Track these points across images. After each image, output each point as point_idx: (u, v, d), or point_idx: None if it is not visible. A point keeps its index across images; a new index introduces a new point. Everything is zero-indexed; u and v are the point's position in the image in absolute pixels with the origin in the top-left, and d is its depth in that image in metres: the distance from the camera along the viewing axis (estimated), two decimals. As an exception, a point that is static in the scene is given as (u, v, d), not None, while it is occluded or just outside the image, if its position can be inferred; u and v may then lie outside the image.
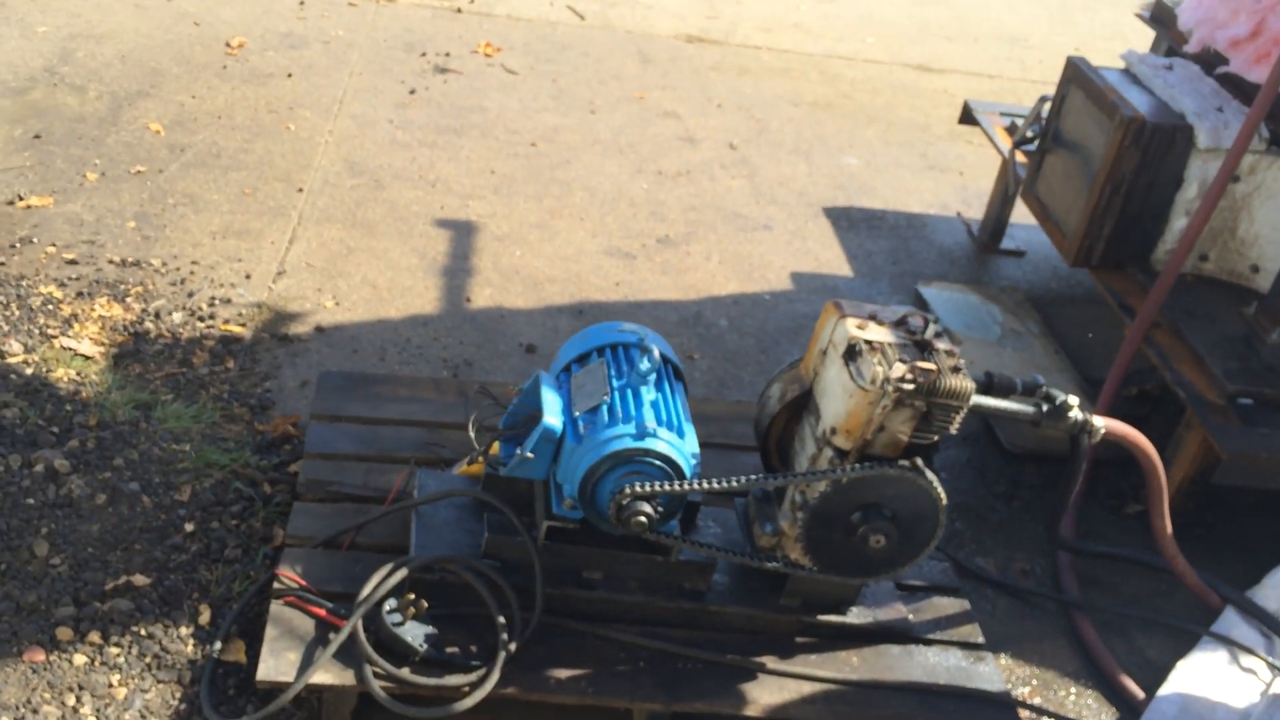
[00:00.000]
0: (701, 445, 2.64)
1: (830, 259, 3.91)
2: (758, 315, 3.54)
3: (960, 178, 4.61)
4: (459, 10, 5.44)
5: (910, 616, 2.31)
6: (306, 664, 1.91)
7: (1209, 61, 3.22)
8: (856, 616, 2.26)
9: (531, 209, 3.89)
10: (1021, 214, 3.78)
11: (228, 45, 4.67)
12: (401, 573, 2.01)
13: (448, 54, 4.95)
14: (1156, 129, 2.97)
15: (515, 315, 3.33)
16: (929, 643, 2.29)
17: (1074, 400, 2.11)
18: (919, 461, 2.04)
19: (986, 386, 2.12)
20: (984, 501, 2.94)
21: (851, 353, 2.02)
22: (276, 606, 2.01)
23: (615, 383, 2.09)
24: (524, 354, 3.16)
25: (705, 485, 1.99)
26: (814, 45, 5.73)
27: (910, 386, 1.94)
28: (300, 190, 3.74)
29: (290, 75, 4.50)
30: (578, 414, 2.05)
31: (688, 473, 2.03)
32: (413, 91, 4.56)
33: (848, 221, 4.15)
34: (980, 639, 2.32)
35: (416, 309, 3.26)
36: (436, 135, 4.26)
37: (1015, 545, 2.82)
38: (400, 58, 4.84)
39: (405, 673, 1.93)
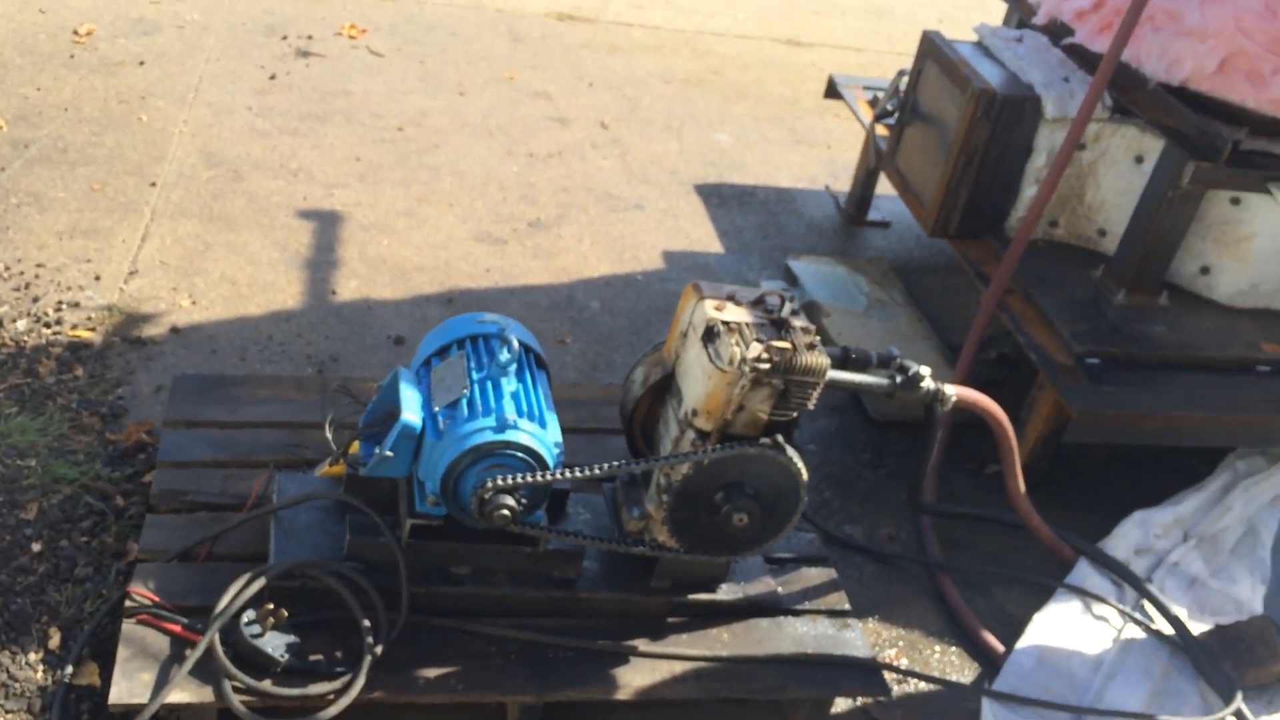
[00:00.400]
0: (571, 431, 2.65)
1: (702, 236, 3.94)
2: (630, 296, 3.54)
3: (828, 151, 4.67)
4: (320, -9, 5.30)
5: (779, 589, 2.35)
6: (162, 683, 1.86)
7: (1057, 33, 3.31)
8: (726, 593, 2.29)
9: (399, 196, 3.83)
10: (887, 186, 3.86)
11: (75, 33, 4.47)
12: (260, 582, 1.97)
13: (310, 37, 4.82)
14: (1006, 100, 3.05)
15: (383, 306, 3.28)
16: (798, 613, 2.34)
17: (925, 371, 2.17)
18: (779, 439, 2.07)
19: (842, 361, 2.16)
20: (851, 470, 3.00)
21: (710, 334, 2.03)
22: (129, 625, 1.95)
23: (475, 375, 2.07)
24: (392, 346, 3.11)
25: (567, 475, 1.99)
26: (685, 22, 5.74)
27: (766, 366, 1.96)
28: (153, 184, 3.61)
29: (142, 63, 4.33)
30: (437, 409, 2.03)
31: (551, 463, 2.02)
32: (273, 77, 4.43)
33: (719, 198, 4.18)
34: (846, 606, 2.37)
35: (279, 304, 3.19)
36: (299, 122, 4.15)
37: (882, 511, 2.89)
38: (259, 42, 4.70)
39: (266, 685, 1.89)
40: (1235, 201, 2.98)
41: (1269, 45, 2.79)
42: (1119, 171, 3.12)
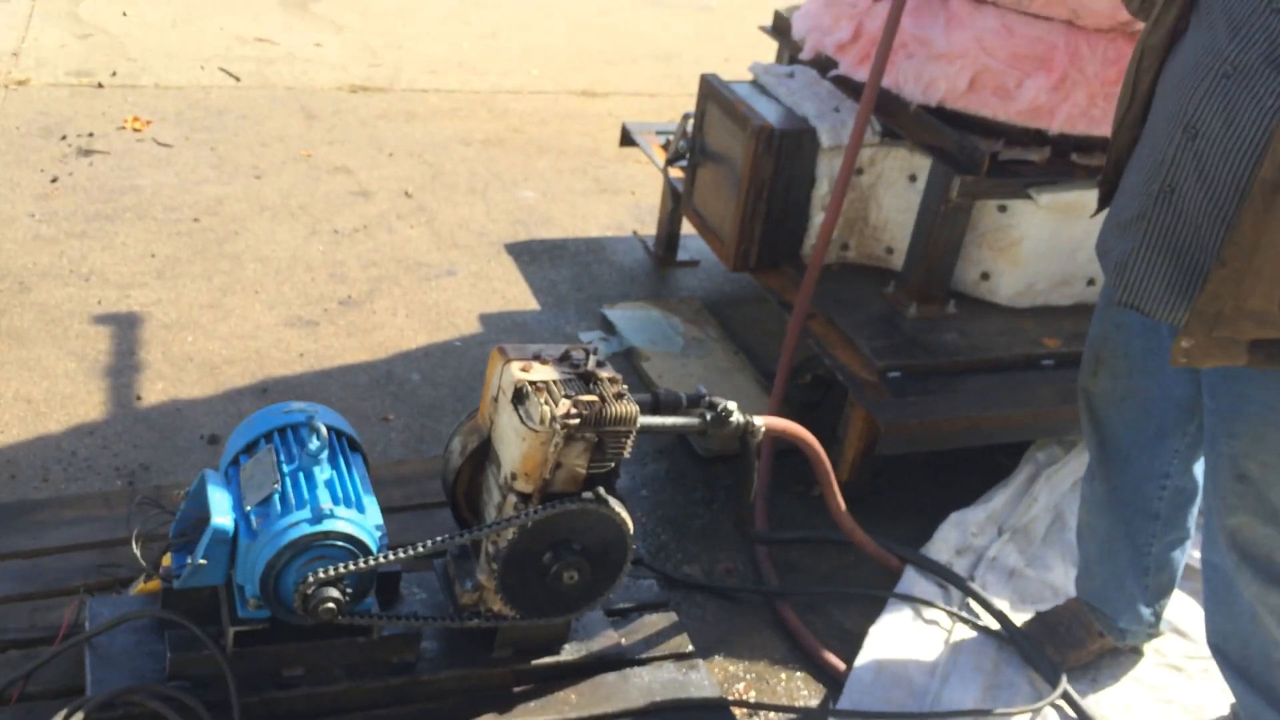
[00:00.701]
0: (399, 508, 2.65)
1: (517, 295, 3.97)
2: (450, 365, 3.54)
3: (633, 197, 4.78)
4: (100, 85, 5.14)
5: (622, 640, 2.38)
6: (-20, 837, 1.76)
7: (823, 66, 3.49)
8: (570, 653, 2.31)
9: (201, 289, 3.73)
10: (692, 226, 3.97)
11: None
12: (78, 716, 1.88)
13: (91, 134, 4.66)
14: (784, 134, 3.20)
15: (193, 406, 3.18)
16: (643, 662, 2.37)
17: (732, 406, 2.25)
18: (600, 491, 2.11)
19: (653, 406, 2.23)
20: (685, 510, 3.07)
21: (519, 396, 2.06)
22: (-62, 781, 1.84)
23: (286, 468, 2.04)
24: (206, 446, 3.03)
25: (391, 557, 1.98)
26: (480, 83, 5.80)
27: (577, 421, 2.00)
28: (-69, 307, 3.43)
29: (-92, 180, 4.11)
30: (249, 508, 1.99)
31: (374, 547, 2.01)
32: (55, 180, 4.27)
33: (530, 255, 4.23)
34: (689, 648, 2.42)
35: (80, 417, 3.06)
36: (86, 224, 4.01)
37: (719, 547, 2.96)
38: (38, 144, 4.52)
39: (96, 821, 1.81)
40: (1002, 209, 3.20)
41: (1010, 61, 3.02)
42: (896, 191, 3.31)
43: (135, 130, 4.76)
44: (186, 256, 3.90)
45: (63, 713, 1.88)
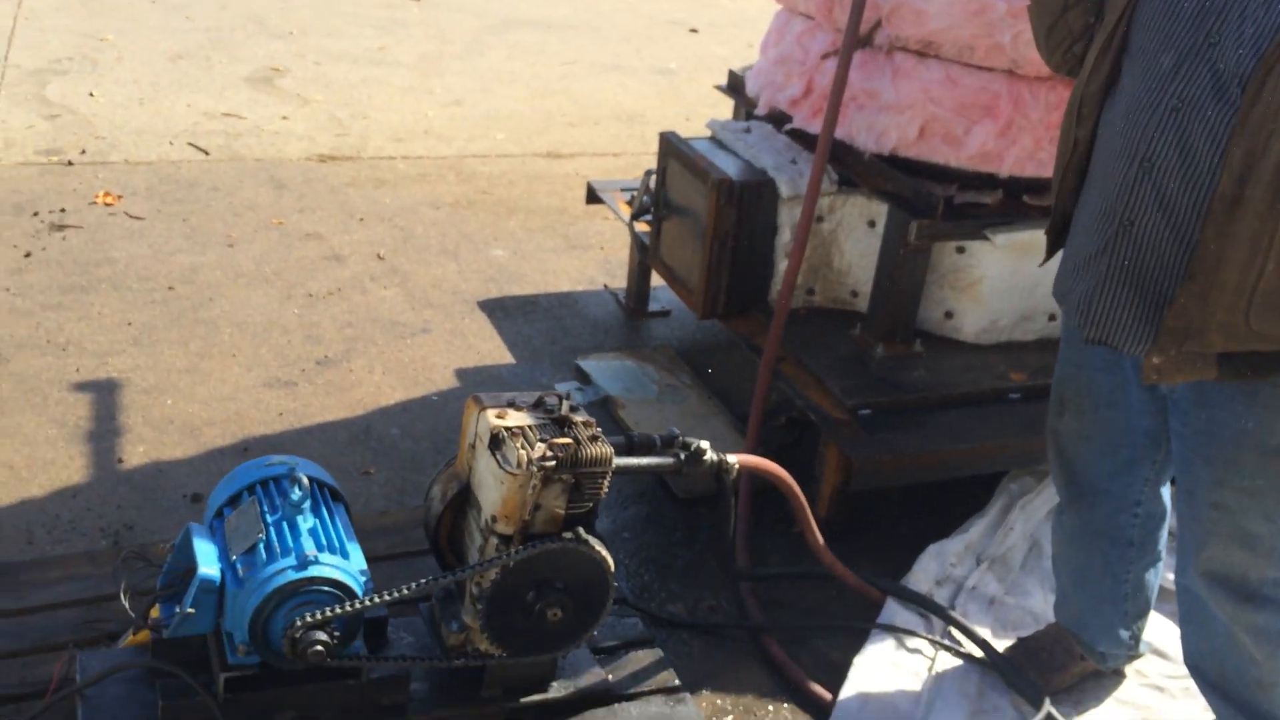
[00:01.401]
0: (384, 557, 2.68)
1: (491, 350, 4.03)
2: (428, 419, 3.59)
3: (602, 252, 4.88)
4: (69, 163, 5.20)
5: (609, 677, 2.41)
6: None
7: (779, 120, 3.61)
8: (558, 690, 2.34)
9: (178, 355, 3.77)
10: (661, 278, 4.05)
11: None
12: (70, 767, 1.89)
13: (63, 210, 4.71)
14: (744, 186, 3.30)
15: (175, 467, 3.20)
16: (631, 697, 2.40)
17: (705, 444, 2.31)
18: (580, 531, 2.15)
19: (628, 448, 2.28)
20: (667, 551, 3.11)
21: (495, 441, 2.12)
22: (-70, 840, 1.84)
23: (269, 518, 2.07)
24: (190, 505, 3.05)
25: (375, 600, 2.01)
26: (447, 148, 5.91)
27: (553, 463, 2.05)
28: (-92, 381, 3.44)
29: (-119, 258, 4.14)
30: (235, 557, 2.02)
31: (359, 591, 2.04)
32: (28, 255, 4.31)
33: (503, 311, 4.29)
34: (676, 682, 2.45)
35: (63, 481, 3.07)
36: (61, 296, 4.04)
37: (702, 586, 3.00)
38: (9, 221, 4.57)
39: None
40: (960, 250, 3.31)
41: (957, 110, 3.14)
42: (857, 237, 3.41)
43: (107, 205, 4.82)
44: (163, 324, 3.94)
45: (55, 766, 1.89)
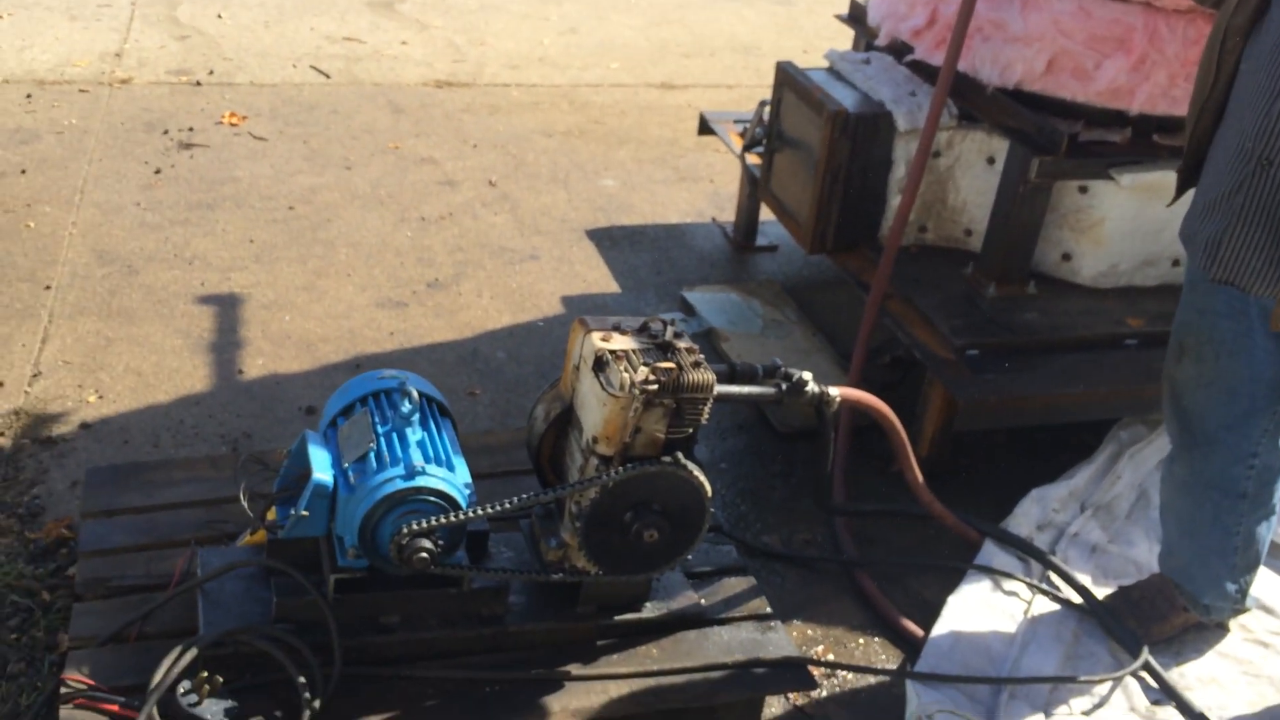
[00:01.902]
0: (487, 475, 2.75)
1: (597, 279, 4.06)
2: (534, 343, 3.64)
3: (711, 185, 4.85)
4: (198, 84, 5.36)
5: (702, 601, 2.45)
6: (104, 762, 1.89)
7: (899, 51, 3.52)
8: (651, 610, 2.38)
9: (296, 272, 3.89)
10: (770, 211, 4.02)
11: (-49, 149, 4.47)
12: (192, 653, 2.01)
13: (191, 129, 4.87)
14: (860, 118, 3.24)
15: (291, 380, 3.33)
16: (722, 622, 2.43)
17: (808, 376, 2.30)
18: (679, 455, 2.18)
19: (729, 376, 2.29)
20: (764, 483, 3.12)
21: (599, 364, 2.14)
22: (66, 711, 1.97)
23: (380, 429, 2.14)
24: (305, 417, 3.17)
25: (478, 512, 2.07)
26: (561, 76, 5.91)
27: (655, 387, 2.07)
28: (48, 288, 3.62)
29: (24, 171, 4.34)
30: (347, 465, 2.10)
31: (463, 503, 2.10)
32: (158, 171, 4.47)
33: (610, 241, 4.32)
34: (768, 610, 2.47)
35: (187, 389, 3.22)
36: (188, 212, 4.20)
37: (797, 519, 3.01)
38: (141, 138, 4.74)
39: (209, 750, 1.93)
40: (1083, 190, 3.20)
41: (1088, 43, 3.02)
42: (975, 174, 3.32)
43: (232, 125, 4.96)
44: (283, 242, 4.06)
45: (177, 650, 2.01)
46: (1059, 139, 2.96)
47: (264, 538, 2.23)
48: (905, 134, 3.27)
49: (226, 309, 3.63)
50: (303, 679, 2.02)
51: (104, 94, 5.12)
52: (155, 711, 1.93)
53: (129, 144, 4.67)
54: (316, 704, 2.02)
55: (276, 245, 4.04)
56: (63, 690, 2.01)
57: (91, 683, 2.02)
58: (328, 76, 5.60)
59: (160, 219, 4.13)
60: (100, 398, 3.14)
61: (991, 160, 3.29)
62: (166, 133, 4.80)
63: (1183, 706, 2.48)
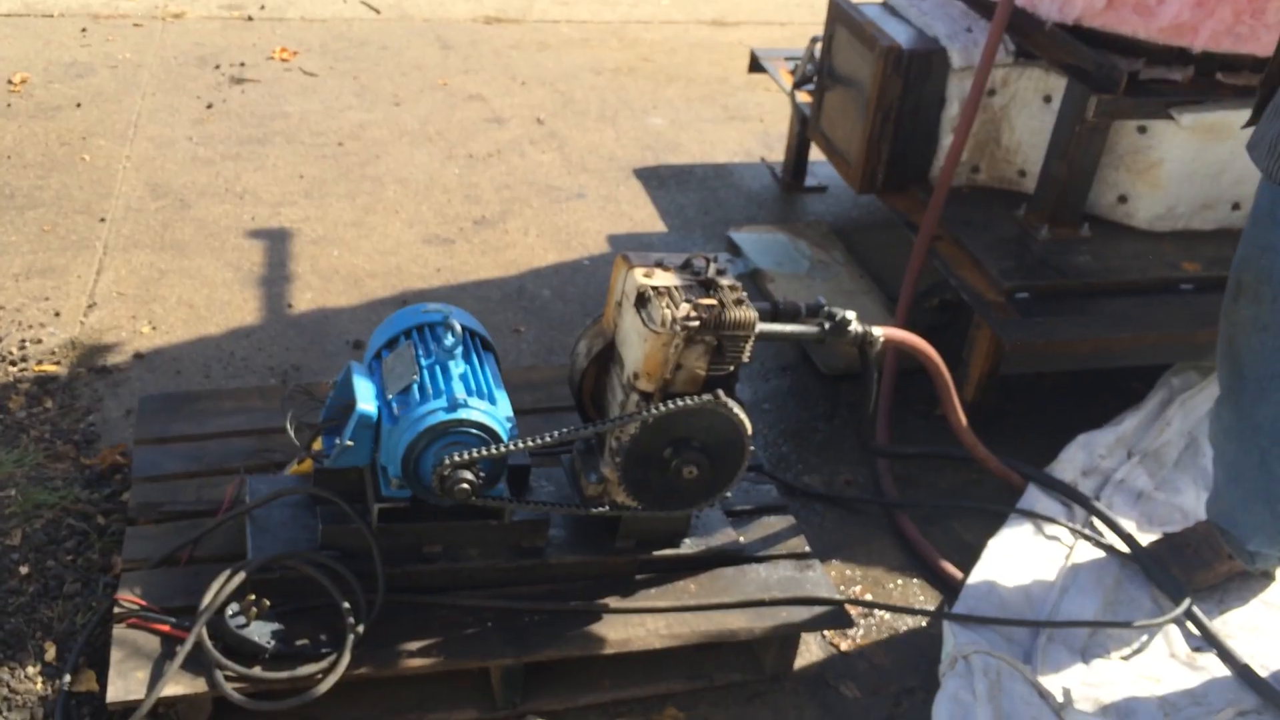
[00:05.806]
0: (529, 410, 2.77)
1: (644, 218, 4.04)
2: (579, 282, 3.65)
3: (761, 124, 4.79)
4: (250, 18, 5.37)
5: (740, 539, 2.46)
6: (156, 679, 1.95)
7: (957, -13, 3.44)
8: (690, 546, 2.40)
9: (345, 208, 3.91)
10: (820, 153, 3.97)
11: (10, 82, 4.52)
12: (240, 576, 2.06)
13: (243, 64, 4.89)
14: (913, 55, 3.17)
15: (339, 314, 3.37)
16: (761, 560, 2.45)
17: (851, 315, 2.28)
18: (719, 393, 2.18)
19: (772, 314, 2.27)
20: (806, 424, 3.12)
21: (641, 300, 2.14)
22: (120, 630, 2.04)
23: (424, 361, 2.16)
24: (351, 350, 3.21)
25: (519, 445, 2.09)
26: (611, 13, 5.85)
27: (696, 323, 2.07)
28: (103, 220, 3.68)
29: (79, 105, 4.39)
30: (391, 396, 2.12)
31: (504, 437, 2.12)
32: (210, 106, 4.50)
33: (658, 180, 4.29)
34: (807, 549, 2.49)
35: (237, 322, 3.27)
36: (240, 147, 4.23)
37: (839, 460, 3.00)
38: (193, 73, 4.77)
39: (256, 670, 1.98)
40: (1142, 130, 3.12)
41: (1153, -23, 2.92)
42: (1030, 113, 3.25)
43: (283, 60, 4.97)
44: (332, 178, 4.08)
45: (226, 573, 2.06)
46: (1118, 76, 2.88)
47: (310, 467, 2.28)
48: (959, 71, 3.20)
49: (276, 243, 3.67)
50: (347, 604, 2.07)
51: (157, 28, 5.15)
52: (204, 632, 1.99)
53: (181, 78, 4.71)
54: (360, 629, 2.07)
55: (326, 181, 4.06)
56: (116, 610, 2.07)
57: (143, 603, 2.08)
58: (378, 12, 5.59)
59: (212, 153, 4.16)
60: (153, 329, 3.20)
61: (1048, 99, 3.21)
62: (218, 67, 4.83)
63: (1224, 654, 2.46)
